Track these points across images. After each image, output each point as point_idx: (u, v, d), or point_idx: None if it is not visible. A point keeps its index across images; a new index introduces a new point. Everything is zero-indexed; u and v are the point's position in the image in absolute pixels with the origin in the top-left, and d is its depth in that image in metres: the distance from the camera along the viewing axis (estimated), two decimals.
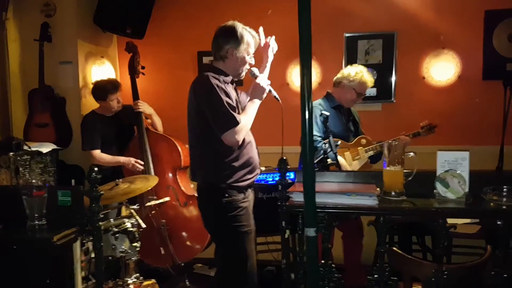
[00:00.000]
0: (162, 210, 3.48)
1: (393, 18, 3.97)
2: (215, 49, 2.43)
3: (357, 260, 3.36)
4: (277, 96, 2.49)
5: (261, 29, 2.50)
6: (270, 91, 2.48)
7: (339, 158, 3.08)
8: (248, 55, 2.42)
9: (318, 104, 3.25)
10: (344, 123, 3.32)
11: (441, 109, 3.87)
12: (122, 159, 3.52)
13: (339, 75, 3.32)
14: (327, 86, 4.14)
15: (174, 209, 3.51)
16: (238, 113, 2.35)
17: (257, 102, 2.45)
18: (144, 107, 3.65)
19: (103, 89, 3.55)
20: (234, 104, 2.34)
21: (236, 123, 2.28)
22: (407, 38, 3.97)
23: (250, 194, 2.49)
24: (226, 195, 2.34)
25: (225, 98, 2.28)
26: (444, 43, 3.89)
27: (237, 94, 2.52)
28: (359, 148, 3.24)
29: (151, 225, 3.37)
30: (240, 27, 2.39)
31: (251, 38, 2.41)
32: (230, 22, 2.41)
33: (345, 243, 3.40)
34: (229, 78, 2.43)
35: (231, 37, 2.37)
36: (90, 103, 3.86)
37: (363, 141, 3.27)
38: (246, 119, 2.36)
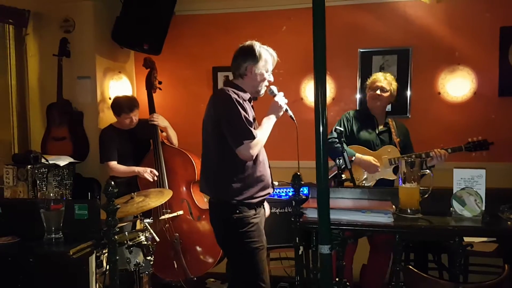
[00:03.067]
0: (176, 223, 3.50)
1: (407, 33, 3.96)
2: (234, 68, 2.48)
3: (381, 280, 3.18)
4: (292, 116, 2.56)
5: None
6: (286, 110, 2.54)
7: (365, 156, 3.14)
8: (266, 72, 2.47)
9: (345, 114, 3.38)
10: (374, 132, 3.30)
11: (457, 125, 3.84)
12: (137, 168, 3.55)
13: None
14: (341, 102, 4.16)
15: (187, 223, 3.52)
16: (254, 129, 2.38)
17: (273, 119, 2.50)
18: (160, 120, 3.71)
19: (118, 106, 3.60)
20: (251, 120, 2.38)
21: (253, 137, 2.31)
22: (422, 54, 3.96)
23: (261, 210, 2.50)
24: (237, 211, 2.35)
25: (243, 113, 2.32)
26: (459, 59, 3.86)
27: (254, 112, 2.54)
28: (383, 157, 3.20)
29: (165, 238, 3.38)
30: (258, 46, 2.45)
31: (269, 55, 2.46)
32: (248, 42, 2.48)
33: (371, 259, 3.25)
34: (247, 96, 2.47)
35: (249, 55, 2.43)
36: (107, 117, 3.92)
37: (389, 150, 3.22)
38: (261, 135, 2.39)
